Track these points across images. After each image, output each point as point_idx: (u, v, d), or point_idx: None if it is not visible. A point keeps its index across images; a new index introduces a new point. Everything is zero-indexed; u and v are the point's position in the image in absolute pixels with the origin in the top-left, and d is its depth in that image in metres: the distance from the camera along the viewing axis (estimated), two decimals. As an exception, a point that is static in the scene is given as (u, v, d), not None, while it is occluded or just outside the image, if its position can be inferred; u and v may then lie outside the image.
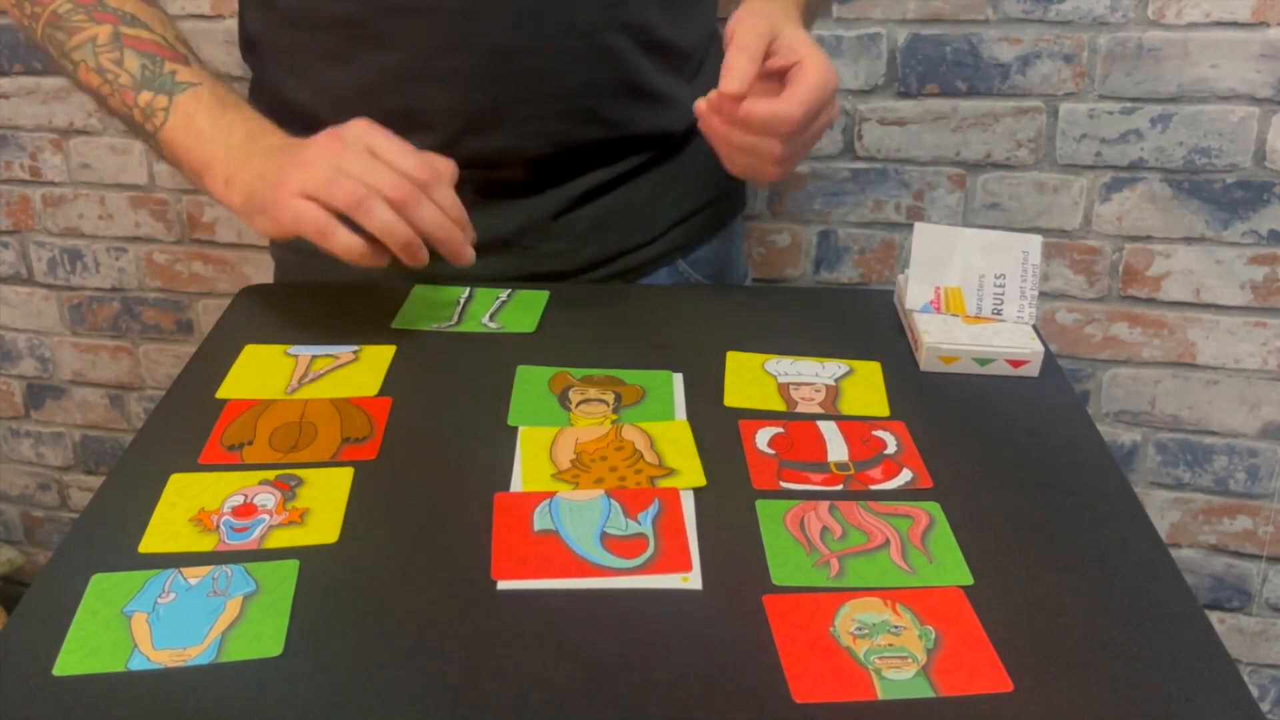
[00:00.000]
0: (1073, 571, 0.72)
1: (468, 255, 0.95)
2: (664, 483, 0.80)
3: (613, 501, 0.78)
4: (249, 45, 1.20)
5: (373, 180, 0.90)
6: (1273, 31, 1.58)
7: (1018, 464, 0.83)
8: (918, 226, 1.01)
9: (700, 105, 0.98)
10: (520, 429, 0.86)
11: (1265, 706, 2.00)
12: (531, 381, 0.93)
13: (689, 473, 0.81)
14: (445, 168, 0.95)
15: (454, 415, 0.89)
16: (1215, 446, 1.84)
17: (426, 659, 0.64)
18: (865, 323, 1.03)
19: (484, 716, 0.61)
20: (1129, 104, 1.66)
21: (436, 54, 1.07)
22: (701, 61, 1.21)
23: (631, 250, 1.20)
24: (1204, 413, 1.82)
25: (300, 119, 1.08)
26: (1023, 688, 0.63)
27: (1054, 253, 1.76)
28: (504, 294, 1.08)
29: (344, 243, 0.91)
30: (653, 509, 0.77)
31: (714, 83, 0.95)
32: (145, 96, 1.01)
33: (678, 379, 0.94)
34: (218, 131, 1.00)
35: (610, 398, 0.91)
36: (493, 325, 1.02)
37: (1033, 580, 0.71)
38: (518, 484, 0.80)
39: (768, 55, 0.97)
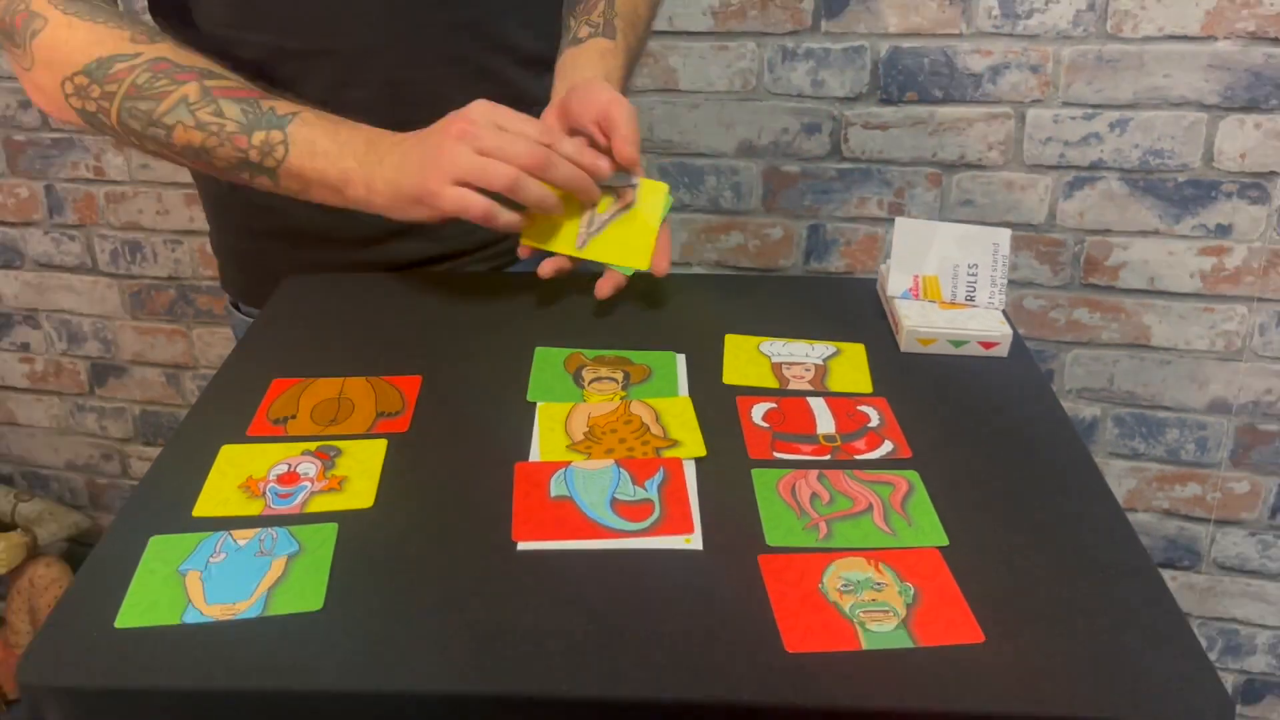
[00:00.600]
0: (1039, 534, 0.71)
1: (596, 194, 0.99)
2: (668, 453, 0.80)
3: (622, 470, 0.78)
4: None
5: (511, 154, 0.92)
6: (1220, 45, 1.57)
7: (989, 436, 0.83)
8: (898, 221, 1.01)
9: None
10: (538, 404, 0.86)
11: (1213, 655, 2.00)
12: (548, 361, 0.93)
13: (691, 444, 0.81)
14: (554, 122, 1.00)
15: (478, 392, 0.89)
16: (1168, 420, 1.84)
17: (453, 612, 0.64)
18: (851, 308, 1.03)
19: (505, 664, 0.61)
20: (1090, 110, 1.65)
21: (338, 88, 1.08)
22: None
23: None
24: (1158, 390, 1.82)
25: None
26: (993, 639, 0.62)
27: (1022, 245, 1.75)
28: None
29: (509, 220, 0.95)
30: (658, 477, 0.77)
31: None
32: (259, 136, 0.98)
33: (681, 359, 0.94)
34: (341, 147, 0.98)
35: (620, 376, 0.91)
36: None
37: (1002, 542, 0.71)
38: (536, 455, 0.80)
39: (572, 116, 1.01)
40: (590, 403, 0.87)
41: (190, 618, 0.64)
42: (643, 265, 1.01)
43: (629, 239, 1.01)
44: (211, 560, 0.69)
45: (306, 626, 0.63)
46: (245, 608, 0.65)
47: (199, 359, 2.21)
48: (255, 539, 0.71)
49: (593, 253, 1.01)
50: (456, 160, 0.92)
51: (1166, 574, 1.94)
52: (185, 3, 1.08)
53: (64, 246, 2.15)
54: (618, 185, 1.02)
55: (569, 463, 0.79)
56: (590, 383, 0.90)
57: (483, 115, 0.95)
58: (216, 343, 2.18)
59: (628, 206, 1.02)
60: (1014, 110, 1.68)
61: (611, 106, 0.98)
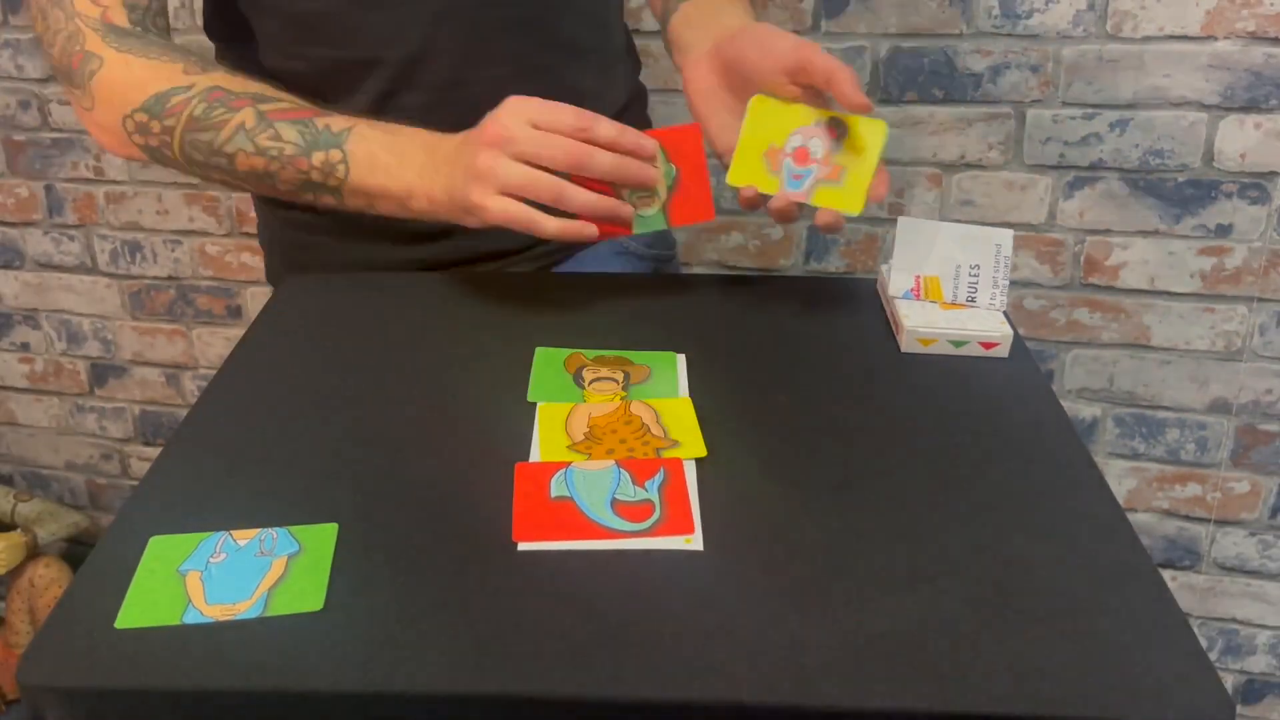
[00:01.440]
0: (1039, 534, 0.71)
1: (654, 177, 0.96)
2: (668, 453, 0.80)
3: (622, 471, 0.78)
4: None
5: (549, 157, 0.91)
6: (1220, 44, 1.57)
7: (989, 436, 0.83)
8: (900, 220, 1.01)
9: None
10: (538, 405, 0.86)
11: (1213, 656, 2.00)
12: (549, 361, 0.93)
13: (691, 444, 0.81)
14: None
15: (478, 392, 0.89)
16: (1168, 420, 1.84)
17: (453, 613, 0.64)
18: (851, 309, 1.03)
19: (505, 665, 0.61)
20: (1090, 110, 1.65)
21: (390, 95, 1.09)
22: (620, 54, 1.23)
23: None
24: (1158, 390, 1.82)
25: None
26: (992, 638, 0.62)
27: (1021, 245, 1.75)
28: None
29: (555, 228, 0.93)
30: (658, 477, 0.77)
31: (633, 71, 1.04)
32: (319, 157, 0.98)
33: (681, 359, 0.94)
34: (402, 160, 0.98)
35: (620, 376, 0.91)
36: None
37: (1002, 541, 0.71)
38: (536, 455, 0.80)
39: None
40: (590, 403, 0.87)
41: (190, 618, 0.64)
42: (856, 209, 0.97)
43: (846, 181, 0.98)
44: (211, 560, 0.69)
45: (306, 626, 0.63)
46: (245, 608, 0.65)
47: (199, 359, 2.21)
48: (255, 539, 0.71)
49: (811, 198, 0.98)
50: (495, 171, 0.92)
51: (1166, 574, 1.94)
52: (239, 22, 1.09)
53: (64, 246, 2.15)
54: (840, 116, 0.98)
55: (569, 463, 0.79)
56: (591, 383, 0.90)
57: (515, 115, 0.93)
58: (216, 343, 2.18)
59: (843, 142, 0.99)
60: (1014, 110, 1.68)
61: (806, 52, 0.95)
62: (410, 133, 0.99)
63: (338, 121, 0.99)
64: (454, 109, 1.07)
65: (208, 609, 0.65)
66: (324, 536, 0.71)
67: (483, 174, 0.92)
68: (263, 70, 1.08)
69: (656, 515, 0.73)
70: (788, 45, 0.96)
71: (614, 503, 0.74)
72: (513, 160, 0.91)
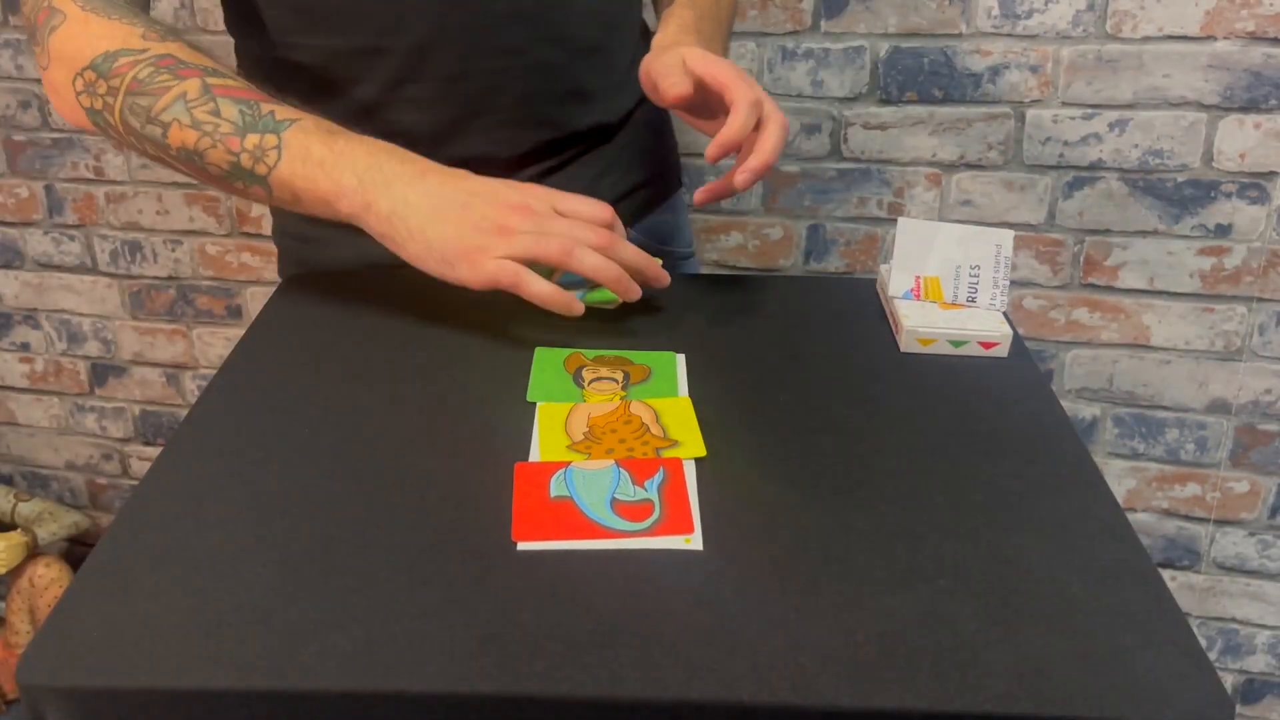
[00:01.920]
0: (1038, 533, 0.71)
1: (665, 278, 0.97)
2: (668, 453, 0.80)
3: (622, 470, 0.78)
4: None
5: (578, 235, 0.91)
6: (1219, 45, 1.57)
7: (989, 436, 0.83)
8: (901, 221, 1.01)
9: (720, 147, 0.96)
10: (538, 405, 0.86)
11: (1212, 655, 2.00)
12: (548, 361, 0.93)
13: (690, 444, 0.81)
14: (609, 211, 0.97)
15: (478, 392, 0.89)
16: (1167, 420, 1.84)
17: (453, 613, 0.64)
18: (850, 308, 1.03)
19: (505, 664, 0.61)
20: (1089, 110, 1.65)
21: (396, 85, 1.09)
22: (632, 55, 1.20)
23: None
24: (1157, 390, 1.82)
25: None
26: (992, 638, 0.62)
27: (1021, 245, 1.75)
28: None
29: (540, 290, 0.91)
30: (658, 477, 0.77)
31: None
32: (252, 139, 0.93)
33: (680, 359, 0.94)
34: (339, 158, 0.94)
35: (620, 376, 0.91)
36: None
37: (1002, 541, 0.71)
38: (536, 455, 0.80)
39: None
40: (590, 403, 0.87)
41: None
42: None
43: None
44: (212, 560, 0.69)
45: (306, 626, 0.63)
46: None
47: (199, 359, 2.21)
48: (255, 539, 0.71)
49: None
50: (514, 243, 0.91)
51: (1166, 574, 1.94)
52: (252, 14, 1.09)
53: (64, 246, 2.14)
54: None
55: (569, 463, 0.79)
56: (590, 383, 0.90)
57: (540, 200, 0.94)
58: (216, 343, 2.18)
59: None
60: (1014, 110, 1.68)
61: (731, 85, 0.97)
62: (356, 139, 0.96)
63: (284, 111, 0.95)
64: (459, 100, 1.09)
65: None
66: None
67: (495, 242, 0.91)
68: (274, 61, 1.09)
69: (656, 515, 0.73)
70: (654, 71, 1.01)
71: (614, 502, 0.74)
72: (535, 234, 0.91)
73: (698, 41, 1.05)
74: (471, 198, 0.93)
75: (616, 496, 0.75)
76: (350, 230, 1.07)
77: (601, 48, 1.16)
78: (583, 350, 0.95)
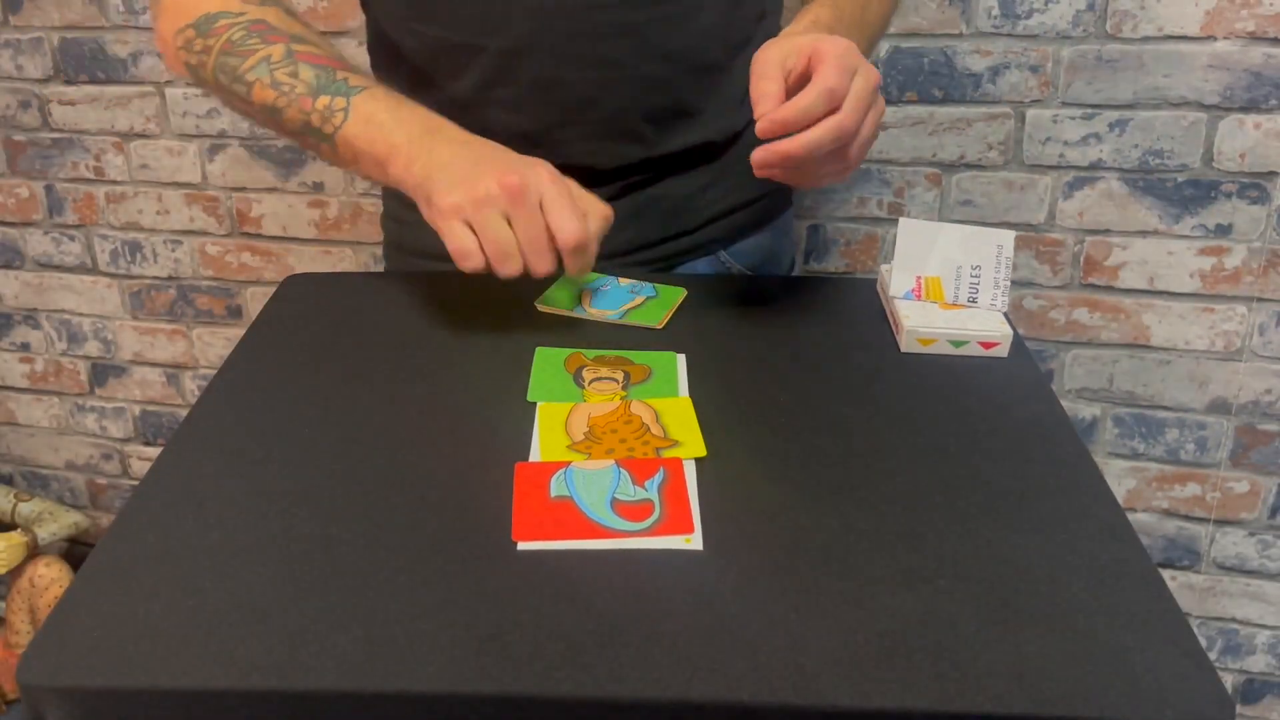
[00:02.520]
0: (1039, 533, 0.71)
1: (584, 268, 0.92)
2: (669, 453, 0.80)
3: (622, 470, 0.78)
4: (373, 64, 1.23)
5: (525, 236, 0.89)
6: (1220, 45, 1.57)
7: (989, 436, 0.83)
8: (902, 221, 1.01)
9: (769, 124, 0.88)
10: (539, 405, 0.86)
11: (1212, 655, 2.00)
12: (549, 361, 0.93)
13: (691, 444, 0.81)
14: (598, 225, 0.92)
15: (478, 392, 0.89)
16: (1167, 420, 1.84)
17: (454, 612, 0.64)
18: (850, 308, 1.03)
19: (505, 663, 0.61)
20: (1089, 110, 1.65)
21: (486, 86, 1.10)
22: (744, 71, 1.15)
23: (670, 239, 1.19)
24: (1157, 390, 1.82)
25: None
26: (992, 638, 0.62)
27: (1021, 245, 1.75)
28: (639, 295, 1.06)
29: (471, 266, 0.90)
30: (658, 477, 0.77)
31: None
32: (323, 100, 0.99)
33: (681, 359, 0.94)
34: (399, 123, 0.97)
35: (620, 376, 0.91)
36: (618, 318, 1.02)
37: (1002, 541, 0.71)
38: (536, 454, 0.80)
39: (790, 73, 0.90)
40: (590, 403, 0.87)
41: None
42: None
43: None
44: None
45: (306, 626, 0.63)
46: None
47: (199, 359, 2.21)
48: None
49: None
50: (480, 212, 0.90)
51: (1166, 574, 1.94)
52: None
53: (64, 246, 2.14)
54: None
55: (569, 463, 0.79)
56: (590, 383, 0.90)
57: (535, 182, 0.91)
58: (216, 343, 2.18)
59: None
60: (1014, 110, 1.68)
61: (820, 44, 0.89)
62: (421, 109, 0.99)
63: (357, 79, 1.00)
64: (549, 107, 1.09)
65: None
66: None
67: (464, 197, 0.91)
68: (386, 45, 1.15)
69: (656, 515, 0.73)
70: (752, 64, 0.91)
71: (614, 502, 0.74)
72: (499, 217, 0.90)
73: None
74: (482, 163, 0.93)
75: (617, 496, 0.75)
76: None
77: (722, 67, 1.13)
78: (583, 350, 0.95)
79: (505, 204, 0.89)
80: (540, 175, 0.91)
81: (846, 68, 0.87)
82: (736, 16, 1.14)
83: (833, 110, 0.86)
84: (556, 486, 0.76)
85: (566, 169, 0.96)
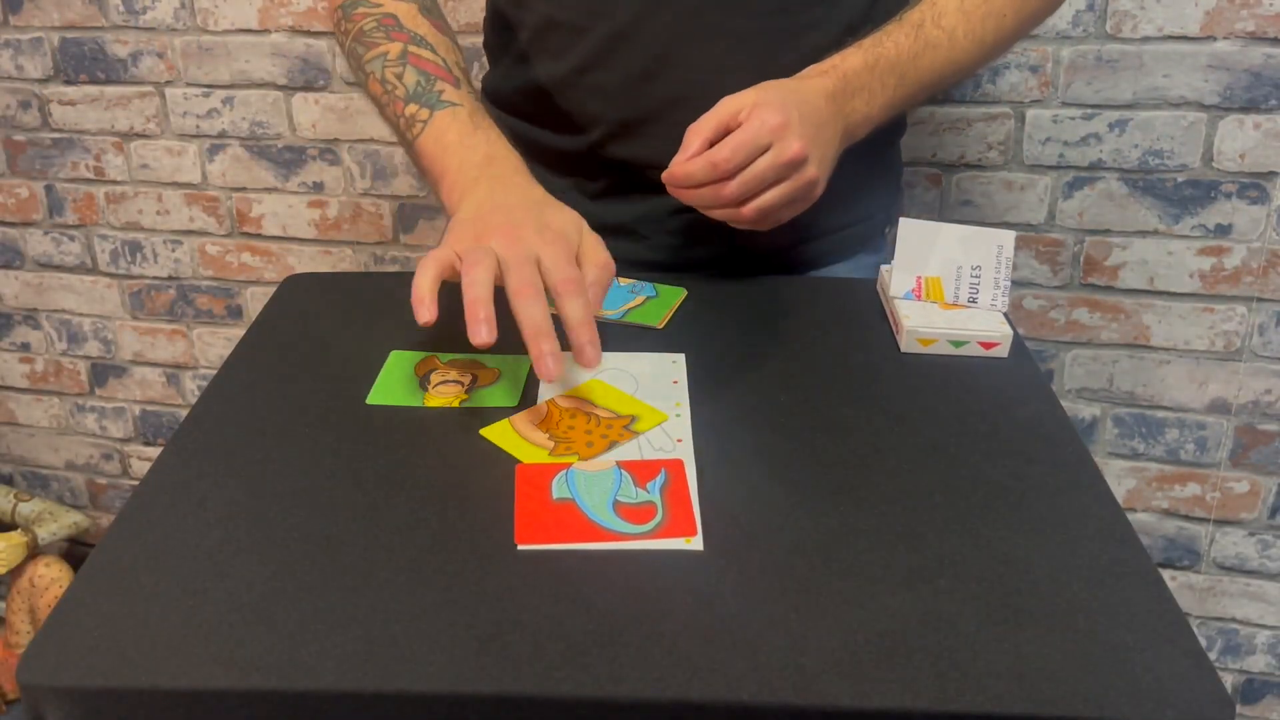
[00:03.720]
0: (1039, 533, 0.71)
1: (550, 369, 0.79)
2: (638, 427, 0.81)
3: (624, 472, 0.78)
4: (485, 39, 1.27)
5: (510, 273, 0.82)
6: (1219, 45, 1.57)
7: (989, 436, 0.83)
8: (902, 221, 1.01)
9: (665, 177, 0.97)
10: (484, 429, 0.84)
11: (1213, 655, 2.00)
12: (400, 364, 0.94)
13: (647, 414, 0.81)
14: (600, 278, 0.86)
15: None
16: (1167, 420, 1.84)
17: (455, 613, 0.64)
18: (850, 308, 1.03)
19: (506, 664, 0.61)
20: (1089, 110, 1.65)
21: (586, 70, 1.10)
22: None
23: (741, 259, 1.13)
24: (1157, 390, 1.82)
25: (502, 103, 1.21)
26: (992, 638, 0.62)
27: (1021, 245, 1.75)
28: (639, 294, 1.06)
29: (417, 279, 0.83)
30: (660, 479, 0.77)
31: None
32: (412, 108, 1.01)
33: (680, 359, 0.94)
34: (462, 148, 0.97)
35: (467, 380, 0.91)
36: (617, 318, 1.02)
37: (1002, 541, 0.71)
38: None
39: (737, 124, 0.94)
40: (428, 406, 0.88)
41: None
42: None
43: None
44: (212, 560, 0.69)
45: (306, 626, 0.63)
46: (246, 608, 0.65)
47: (199, 359, 2.21)
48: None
49: None
50: (474, 252, 0.83)
51: (1166, 574, 1.94)
52: None
53: (64, 246, 2.14)
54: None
55: (570, 464, 0.79)
56: (435, 386, 0.90)
57: (533, 238, 0.84)
58: (216, 343, 2.18)
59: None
60: (1013, 110, 1.68)
61: (749, 112, 0.94)
62: (493, 138, 0.98)
63: (452, 93, 1.01)
64: (642, 100, 1.09)
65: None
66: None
67: (466, 236, 0.86)
68: (500, 17, 1.19)
69: (659, 517, 0.73)
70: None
71: (616, 504, 0.74)
72: (487, 264, 0.82)
73: (835, 88, 1.00)
74: (499, 210, 0.89)
75: (619, 499, 0.75)
76: None
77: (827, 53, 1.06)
78: (437, 354, 0.95)
79: (494, 250, 0.83)
80: (550, 225, 0.86)
81: (750, 143, 0.93)
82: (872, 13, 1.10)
83: (723, 178, 0.94)
84: (558, 489, 0.76)
85: (652, 160, 0.99)
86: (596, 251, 0.87)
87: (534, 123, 1.18)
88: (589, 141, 1.13)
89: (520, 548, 0.70)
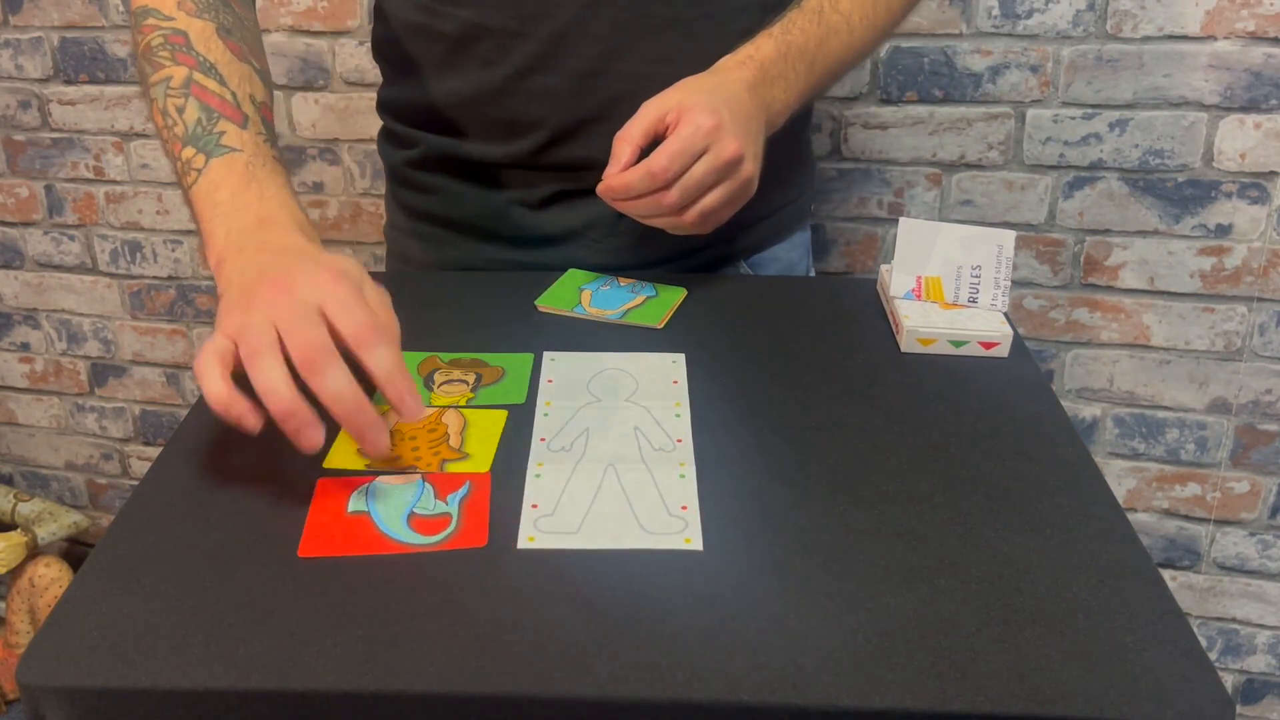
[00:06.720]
0: (1039, 533, 0.71)
1: (374, 444, 0.74)
2: (451, 467, 0.79)
3: (426, 484, 0.77)
4: (377, 49, 1.21)
5: (290, 337, 0.73)
6: (1220, 44, 1.57)
7: (989, 436, 0.83)
8: (902, 221, 1.01)
9: (600, 190, 0.96)
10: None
11: (1213, 655, 2.00)
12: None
13: (478, 458, 0.79)
14: (391, 325, 0.78)
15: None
16: (1168, 420, 1.84)
17: (453, 613, 0.64)
18: (850, 308, 1.03)
19: (506, 664, 0.61)
20: (1089, 110, 1.65)
21: (527, 74, 1.07)
22: None
23: (691, 253, 1.15)
24: (1157, 390, 1.82)
25: (417, 119, 1.13)
26: (992, 638, 0.62)
27: (1022, 245, 1.75)
28: (639, 294, 1.06)
29: (209, 388, 0.75)
30: (462, 491, 0.76)
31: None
32: (189, 152, 0.89)
33: (680, 359, 0.94)
34: (233, 208, 0.85)
35: (471, 378, 0.90)
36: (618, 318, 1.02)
37: (1002, 541, 0.71)
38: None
39: (664, 128, 0.95)
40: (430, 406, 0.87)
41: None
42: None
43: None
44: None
45: (306, 626, 0.63)
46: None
47: (199, 359, 2.21)
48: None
49: None
50: (245, 322, 0.76)
51: (1166, 574, 1.94)
52: None
53: (64, 246, 2.14)
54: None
55: (375, 478, 0.78)
56: (440, 385, 0.89)
57: (310, 291, 0.76)
58: (216, 343, 2.18)
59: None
60: (1014, 110, 1.68)
61: (681, 115, 0.94)
62: (269, 195, 0.87)
63: (233, 135, 0.90)
64: (588, 100, 1.07)
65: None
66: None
67: (233, 312, 0.79)
68: (413, 27, 1.11)
69: (452, 527, 0.72)
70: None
71: (410, 516, 0.73)
72: (268, 323, 0.75)
73: (754, 78, 1.00)
74: (268, 273, 0.79)
75: (415, 510, 0.74)
76: (439, 229, 1.06)
77: None
78: (439, 354, 0.94)
79: (273, 311, 0.75)
80: (326, 281, 0.77)
81: (687, 150, 0.93)
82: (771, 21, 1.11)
83: (662, 187, 0.94)
84: (355, 502, 0.75)
85: (593, 163, 0.97)
86: (382, 307, 0.79)
87: (459, 136, 1.14)
88: (529, 147, 1.10)
89: (519, 548, 0.70)
